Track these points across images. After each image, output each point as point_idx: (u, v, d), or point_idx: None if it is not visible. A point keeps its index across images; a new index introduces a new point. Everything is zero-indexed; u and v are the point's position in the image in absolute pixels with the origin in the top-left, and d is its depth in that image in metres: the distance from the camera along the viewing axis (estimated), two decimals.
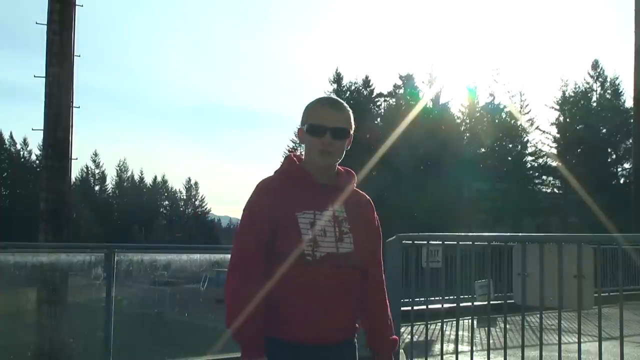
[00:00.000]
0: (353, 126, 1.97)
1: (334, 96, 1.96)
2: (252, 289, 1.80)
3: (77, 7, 9.93)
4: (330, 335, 1.88)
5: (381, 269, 2.07)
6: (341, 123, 1.92)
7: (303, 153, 2.00)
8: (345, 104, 1.98)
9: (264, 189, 1.93)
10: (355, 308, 1.96)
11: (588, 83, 39.74)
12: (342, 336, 1.92)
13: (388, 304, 2.07)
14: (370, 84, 44.62)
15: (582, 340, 3.70)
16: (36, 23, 9.86)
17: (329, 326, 1.87)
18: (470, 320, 4.38)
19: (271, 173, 2.02)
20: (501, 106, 39.47)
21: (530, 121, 39.19)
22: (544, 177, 39.47)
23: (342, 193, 1.96)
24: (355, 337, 2.00)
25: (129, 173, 66.04)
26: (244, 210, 1.93)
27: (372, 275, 2.02)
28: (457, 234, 4.89)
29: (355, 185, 2.03)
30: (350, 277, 1.90)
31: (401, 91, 43.06)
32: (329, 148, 1.89)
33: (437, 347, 5.05)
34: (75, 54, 9.92)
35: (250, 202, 1.92)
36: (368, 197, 2.07)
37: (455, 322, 4.27)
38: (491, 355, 4.22)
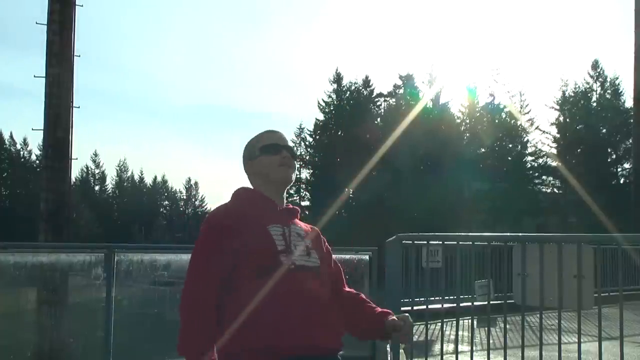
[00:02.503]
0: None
1: None
2: (202, 322, 1.78)
3: (77, 7, 9.96)
4: (326, 341, 1.77)
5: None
6: (289, 145, 1.98)
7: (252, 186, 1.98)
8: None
9: (221, 212, 1.86)
10: (340, 317, 1.89)
11: (588, 83, 39.76)
12: (338, 344, 1.82)
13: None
14: (370, 84, 44.59)
15: (582, 340, 3.70)
16: (36, 23, 9.87)
17: (326, 330, 1.77)
18: (470, 320, 4.38)
19: None
20: (501, 106, 39.45)
21: (530, 121, 39.21)
22: (544, 177, 39.45)
23: (295, 217, 1.96)
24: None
25: (129, 173, 66.12)
26: (197, 243, 1.81)
27: (344, 288, 2.02)
28: (457, 234, 4.90)
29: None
30: (326, 286, 1.87)
31: (401, 91, 43.02)
32: (288, 161, 1.93)
33: (437, 347, 5.06)
34: (75, 54, 9.94)
35: (208, 229, 1.81)
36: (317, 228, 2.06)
37: (455, 322, 4.27)
38: (491, 355, 4.21)
